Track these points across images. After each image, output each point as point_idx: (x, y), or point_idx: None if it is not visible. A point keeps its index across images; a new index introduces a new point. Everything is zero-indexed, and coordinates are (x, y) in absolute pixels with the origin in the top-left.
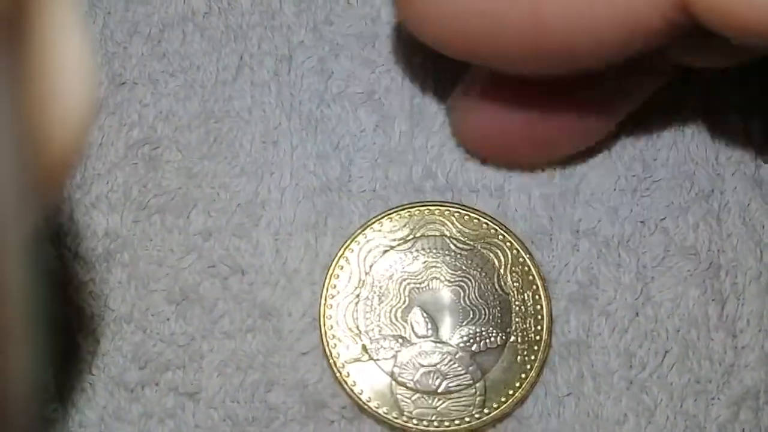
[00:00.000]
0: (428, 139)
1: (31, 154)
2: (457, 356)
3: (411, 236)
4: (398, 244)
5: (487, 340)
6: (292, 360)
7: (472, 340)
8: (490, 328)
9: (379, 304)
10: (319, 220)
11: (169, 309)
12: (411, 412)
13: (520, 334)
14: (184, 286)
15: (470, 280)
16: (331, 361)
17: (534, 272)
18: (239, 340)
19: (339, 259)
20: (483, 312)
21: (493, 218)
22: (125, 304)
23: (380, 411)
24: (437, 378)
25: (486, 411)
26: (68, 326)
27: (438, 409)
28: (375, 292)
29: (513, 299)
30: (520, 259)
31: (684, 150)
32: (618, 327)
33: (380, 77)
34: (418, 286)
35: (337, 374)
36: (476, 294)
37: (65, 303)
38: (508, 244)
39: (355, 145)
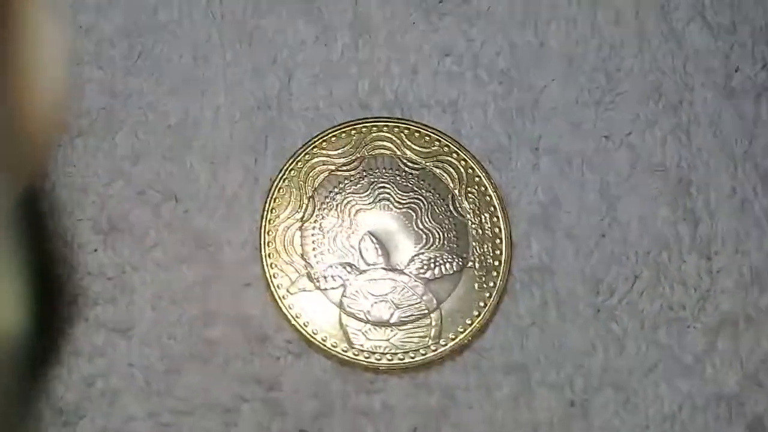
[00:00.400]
0: (374, 52)
1: (9, 132)
2: (410, 284)
3: (357, 156)
4: (343, 165)
5: (442, 267)
6: (232, 292)
7: (425, 267)
8: (445, 254)
9: (323, 230)
10: (258, 141)
11: (97, 239)
12: (362, 345)
13: (477, 259)
14: (112, 214)
15: (422, 202)
16: (273, 292)
17: (491, 192)
18: (174, 272)
19: (279, 181)
20: (437, 236)
21: (446, 135)
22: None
23: (328, 344)
24: (389, 308)
25: (442, 342)
26: None
27: (391, 341)
28: (319, 217)
29: (469, 222)
30: (476, 179)
31: (650, 58)
32: (583, 250)
33: None
34: (365, 209)
35: (281, 306)
36: (429, 217)
37: None
38: (462, 162)
39: (295, 59)
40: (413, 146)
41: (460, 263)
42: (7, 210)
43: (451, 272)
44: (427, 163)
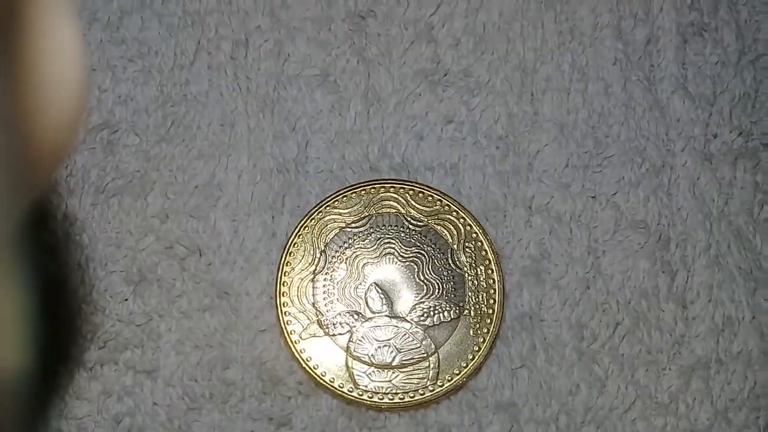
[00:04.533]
0: (383, 120)
1: (22, 145)
2: (411, 330)
3: (366, 214)
4: (353, 222)
5: (441, 315)
6: (249, 338)
7: (426, 315)
8: (444, 303)
9: (333, 281)
10: (277, 200)
11: (128, 289)
12: (366, 386)
13: (473, 308)
14: (142, 267)
15: (424, 256)
16: (286, 337)
17: (487, 247)
18: (196, 319)
19: (294, 237)
20: (437, 287)
21: (447, 195)
22: (84, 285)
23: (335, 385)
24: (391, 352)
25: (439, 383)
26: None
27: (393, 382)
28: (330, 269)
29: (466, 274)
30: (473, 235)
31: (635, 126)
32: (569, 300)
33: (336, 59)
34: (372, 262)
35: (293, 350)
36: (430, 269)
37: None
38: (461, 220)
39: (312, 126)
40: (417, 205)
41: (457, 311)
42: (10, 230)
43: (449, 319)
44: (430, 221)
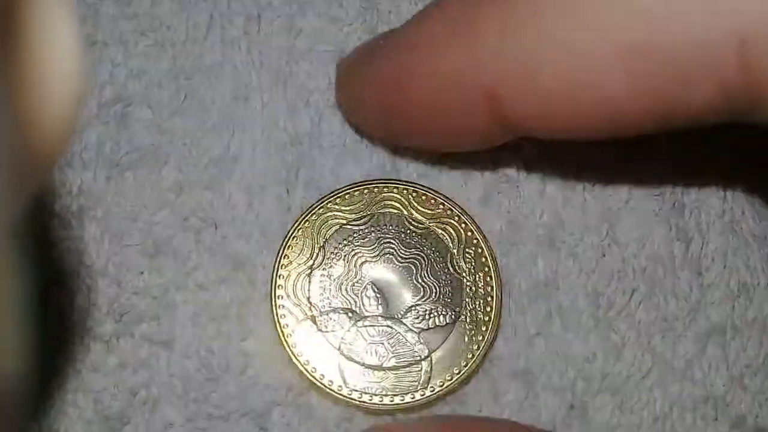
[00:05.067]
0: None
1: (20, 140)
2: (405, 333)
3: (367, 213)
4: (354, 220)
5: (436, 318)
6: (266, 310)
7: (421, 318)
8: (440, 307)
9: (330, 278)
10: (291, 173)
11: (143, 262)
12: (356, 386)
13: (469, 314)
14: (158, 240)
15: (423, 259)
16: (279, 331)
17: (487, 254)
18: (213, 291)
19: (293, 230)
20: (434, 290)
21: (450, 199)
22: (100, 259)
23: (324, 382)
24: (384, 353)
25: (430, 387)
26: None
27: (383, 383)
28: (327, 266)
29: (465, 280)
30: (474, 241)
31: None
32: (585, 268)
33: (347, 36)
34: (371, 261)
35: (285, 345)
36: (428, 272)
37: (43, 262)
38: (463, 225)
39: (325, 101)
40: (419, 207)
41: (453, 316)
42: (8, 227)
43: (444, 324)
44: (431, 224)
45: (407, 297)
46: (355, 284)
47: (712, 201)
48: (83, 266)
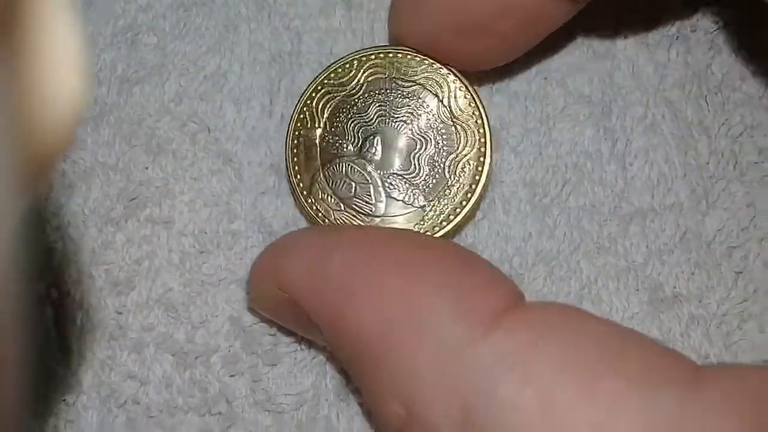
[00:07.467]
0: (363, 22)
1: (21, 144)
2: (378, 188)
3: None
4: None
5: (410, 196)
6: (251, 199)
7: (396, 188)
8: (416, 190)
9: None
10: (273, 85)
11: (148, 159)
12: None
13: (436, 200)
14: (160, 141)
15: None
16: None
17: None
18: (206, 182)
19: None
20: (422, 173)
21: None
22: (112, 157)
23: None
24: (350, 195)
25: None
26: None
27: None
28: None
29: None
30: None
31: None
32: (524, 163)
33: None
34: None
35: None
36: (426, 157)
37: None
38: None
39: (304, 27)
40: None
41: (422, 201)
42: (8, 228)
43: (410, 202)
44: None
45: (397, 163)
46: (365, 128)
47: (636, 108)
48: (98, 163)
